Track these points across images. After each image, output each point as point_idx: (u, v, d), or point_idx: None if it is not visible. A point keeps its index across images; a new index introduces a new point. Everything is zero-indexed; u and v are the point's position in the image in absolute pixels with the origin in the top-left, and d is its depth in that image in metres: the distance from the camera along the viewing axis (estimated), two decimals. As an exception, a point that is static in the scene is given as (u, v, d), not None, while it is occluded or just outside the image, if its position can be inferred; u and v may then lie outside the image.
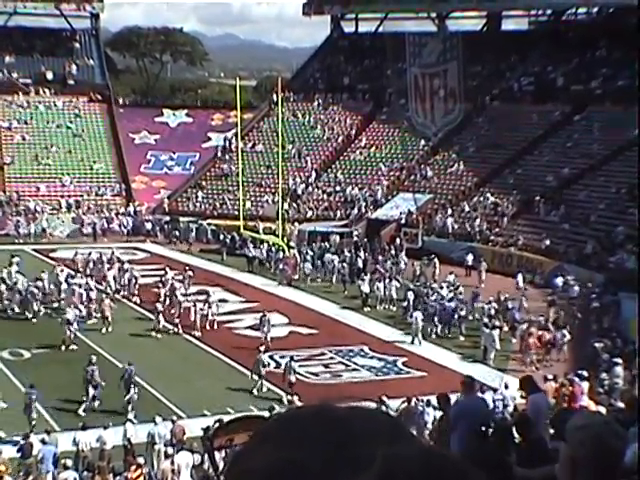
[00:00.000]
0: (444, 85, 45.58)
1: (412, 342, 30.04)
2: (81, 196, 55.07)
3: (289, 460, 1.07)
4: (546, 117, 52.08)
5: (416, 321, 30.11)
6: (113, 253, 40.97)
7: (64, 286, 33.77)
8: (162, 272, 36.80)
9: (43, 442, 18.99)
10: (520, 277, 37.26)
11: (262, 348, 26.09)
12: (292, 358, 25.87)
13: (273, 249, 43.11)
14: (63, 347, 28.22)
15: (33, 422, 21.12)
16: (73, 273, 36.41)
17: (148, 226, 51.87)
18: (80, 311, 31.13)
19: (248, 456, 1.10)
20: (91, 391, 23.07)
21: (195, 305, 31.29)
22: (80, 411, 22.63)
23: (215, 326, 31.13)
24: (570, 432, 2.85)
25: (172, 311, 32.11)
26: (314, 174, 55.61)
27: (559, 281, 35.54)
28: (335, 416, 1.13)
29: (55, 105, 62.10)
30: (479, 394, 16.75)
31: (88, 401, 23.00)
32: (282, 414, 1.17)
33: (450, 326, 31.43)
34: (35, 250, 45.68)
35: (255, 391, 24.41)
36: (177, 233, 50.10)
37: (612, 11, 58.86)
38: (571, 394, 21.61)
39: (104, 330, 30.22)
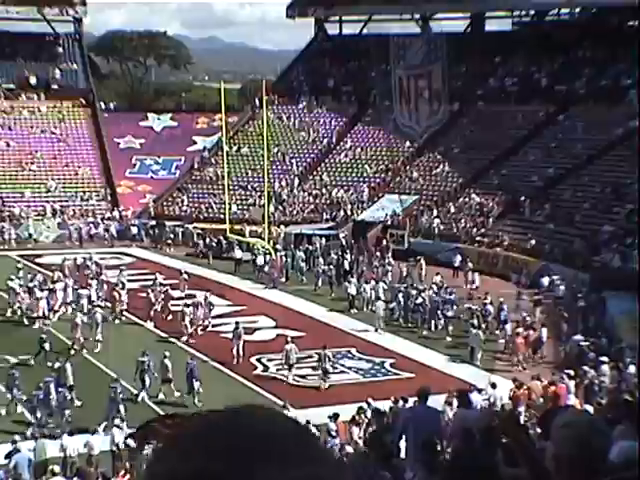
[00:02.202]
0: (429, 86, 45.69)
1: (376, 330, 31.38)
2: (66, 201, 54.88)
3: (191, 469, 1.08)
4: (530, 117, 52.24)
5: (378, 310, 31.74)
6: (91, 259, 40.89)
7: (44, 293, 33.64)
8: (150, 277, 36.77)
9: (17, 450, 18.81)
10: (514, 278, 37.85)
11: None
12: (325, 347, 26.40)
13: (260, 252, 43.05)
14: (72, 351, 28.31)
15: (116, 416, 21.52)
16: (55, 278, 36.28)
17: (134, 231, 51.78)
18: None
19: (155, 461, 1.12)
20: (147, 381, 24.21)
21: (196, 310, 31.32)
22: (140, 398, 23.91)
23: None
24: (554, 431, 2.86)
25: (169, 317, 32.23)
26: (300, 176, 55.62)
27: (545, 281, 35.65)
28: (247, 431, 1.13)
29: (39, 110, 61.87)
30: (472, 398, 16.79)
31: (143, 389, 24.16)
32: (194, 419, 1.17)
33: (436, 324, 31.72)
34: (20, 256, 45.47)
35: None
36: (168, 236, 50.15)
37: (595, 12, 59.12)
38: (554, 394, 21.74)
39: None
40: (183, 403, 23.84)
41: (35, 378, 23.50)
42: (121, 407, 22.21)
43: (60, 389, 22.61)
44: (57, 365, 24.58)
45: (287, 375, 26.41)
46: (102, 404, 22.63)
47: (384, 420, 16.59)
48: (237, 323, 28.84)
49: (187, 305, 31.58)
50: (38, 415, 22.13)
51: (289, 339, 27.27)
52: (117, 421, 21.57)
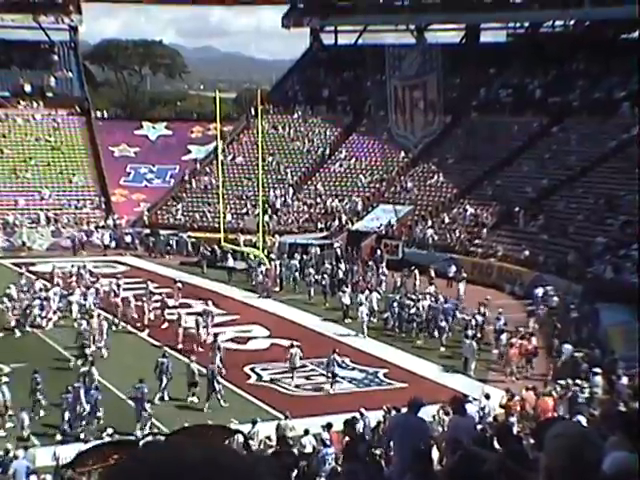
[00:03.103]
0: (424, 97, 45.84)
1: (356, 335, 32.14)
2: (60, 209, 54.82)
3: None
4: (524, 128, 52.36)
5: (361, 315, 32.36)
6: (85, 267, 40.84)
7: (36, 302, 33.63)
8: (142, 285, 36.78)
9: (15, 457, 18.85)
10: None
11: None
12: (334, 351, 26.98)
13: (254, 261, 43.06)
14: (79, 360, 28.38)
15: (145, 415, 22.40)
16: (49, 285, 36.29)
17: (128, 239, 51.76)
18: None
19: None
20: (164, 380, 24.89)
21: (197, 323, 31.30)
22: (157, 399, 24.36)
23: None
24: (547, 442, 2.89)
25: (163, 326, 32.27)
26: (294, 186, 55.65)
27: (539, 291, 35.69)
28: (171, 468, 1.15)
29: (34, 118, 61.85)
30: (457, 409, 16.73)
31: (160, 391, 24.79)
32: (133, 457, 1.18)
33: (432, 333, 31.84)
34: (14, 264, 45.40)
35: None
36: (163, 245, 50.18)
37: (589, 24, 59.35)
38: (547, 405, 21.77)
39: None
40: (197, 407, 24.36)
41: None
42: (147, 405, 22.70)
43: (92, 392, 22.93)
44: (82, 370, 24.68)
45: (291, 378, 26.95)
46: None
47: (356, 431, 16.67)
48: (215, 335, 28.80)
49: (190, 313, 31.67)
50: (66, 417, 22.35)
51: (294, 343, 27.91)
52: (109, 430, 21.55)
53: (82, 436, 21.61)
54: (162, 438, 1.29)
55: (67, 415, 22.34)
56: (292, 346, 27.60)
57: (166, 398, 24.91)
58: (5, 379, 23.54)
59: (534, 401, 22.17)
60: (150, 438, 1.36)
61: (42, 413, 23.36)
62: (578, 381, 23.84)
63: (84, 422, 22.45)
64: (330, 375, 26.63)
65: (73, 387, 22.74)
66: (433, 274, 39.52)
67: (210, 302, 33.71)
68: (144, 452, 1.21)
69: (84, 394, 22.60)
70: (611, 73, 52.40)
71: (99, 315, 31.54)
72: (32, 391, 23.57)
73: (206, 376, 24.71)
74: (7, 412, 22.94)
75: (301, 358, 27.62)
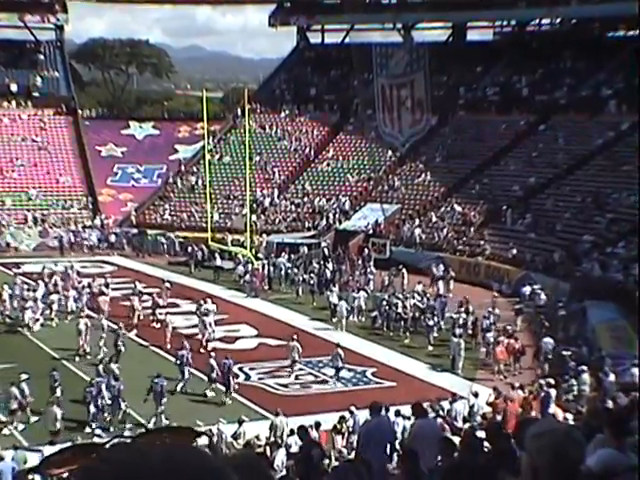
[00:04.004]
0: (411, 95, 45.85)
1: (336, 329, 32.75)
2: (47, 209, 54.67)
3: None
4: (511, 127, 52.49)
5: (341, 310, 33.04)
6: (72, 267, 40.71)
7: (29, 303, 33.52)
8: (130, 285, 36.69)
9: (1, 458, 18.75)
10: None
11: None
12: (338, 345, 27.84)
13: (242, 260, 43.03)
14: (77, 358, 28.63)
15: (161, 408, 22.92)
16: (34, 285, 36.17)
17: (115, 239, 51.61)
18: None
19: None
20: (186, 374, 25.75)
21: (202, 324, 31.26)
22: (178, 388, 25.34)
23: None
24: (529, 440, 2.88)
25: (157, 326, 32.22)
26: (282, 185, 55.63)
27: (526, 290, 35.76)
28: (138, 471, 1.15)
29: (20, 118, 61.63)
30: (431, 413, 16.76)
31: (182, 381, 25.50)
32: (97, 458, 1.20)
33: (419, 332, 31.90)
34: (1, 264, 45.24)
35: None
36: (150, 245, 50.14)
37: (575, 22, 59.53)
38: (530, 403, 21.79)
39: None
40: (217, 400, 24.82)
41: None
42: (164, 400, 23.15)
43: (113, 383, 23.38)
44: (101, 368, 24.79)
45: (290, 371, 27.47)
46: (81, 414, 22.75)
47: (309, 436, 16.68)
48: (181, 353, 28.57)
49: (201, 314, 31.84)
50: (91, 410, 22.88)
51: (294, 337, 28.23)
52: (98, 431, 21.54)
53: (111, 429, 22.40)
54: (128, 441, 1.30)
55: (92, 408, 22.86)
56: (292, 339, 27.94)
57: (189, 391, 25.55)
58: (24, 376, 23.64)
59: (520, 400, 22.18)
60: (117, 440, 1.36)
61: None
62: (567, 378, 23.92)
63: (107, 414, 23.18)
64: (335, 370, 27.23)
65: (95, 381, 23.38)
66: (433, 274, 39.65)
67: (210, 300, 33.73)
68: (107, 453, 1.22)
69: (105, 387, 23.18)
70: (598, 71, 52.56)
71: (88, 315, 31.50)
72: (51, 388, 23.81)
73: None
74: (27, 407, 23.22)
75: (285, 358, 27.73)
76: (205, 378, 25.82)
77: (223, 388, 25.26)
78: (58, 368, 25.45)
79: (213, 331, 31.27)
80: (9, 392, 23.19)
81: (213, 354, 26.59)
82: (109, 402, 23.10)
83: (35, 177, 57.44)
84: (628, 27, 55.39)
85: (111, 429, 22.47)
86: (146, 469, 1.14)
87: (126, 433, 19.50)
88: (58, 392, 23.62)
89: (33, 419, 23.10)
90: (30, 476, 17.86)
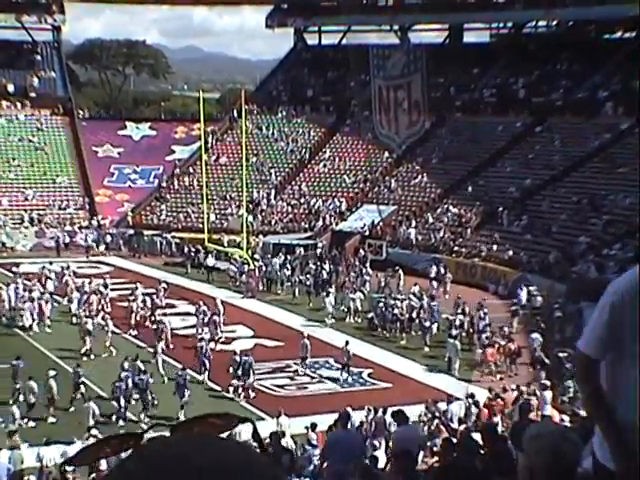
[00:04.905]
0: (408, 97, 45.89)
1: (325, 325, 33.49)
2: (44, 210, 54.61)
3: None
4: (508, 128, 52.54)
5: (327, 305, 34.21)
6: (69, 267, 40.68)
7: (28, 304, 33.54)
8: (129, 286, 36.67)
9: None
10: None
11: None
12: (347, 343, 28.08)
13: (238, 261, 43.02)
14: (85, 357, 28.67)
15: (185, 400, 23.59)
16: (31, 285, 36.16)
17: (112, 240, 51.54)
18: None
19: None
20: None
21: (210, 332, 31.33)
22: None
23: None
24: (526, 442, 2.91)
25: (154, 326, 32.23)
26: (278, 186, 55.64)
27: (522, 291, 35.79)
28: (190, 465, 1.12)
29: (17, 118, 61.58)
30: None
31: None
32: (136, 458, 1.16)
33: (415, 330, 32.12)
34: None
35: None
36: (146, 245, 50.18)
37: (572, 24, 59.62)
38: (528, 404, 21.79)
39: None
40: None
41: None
42: (187, 392, 23.76)
43: (142, 376, 24.12)
44: (127, 364, 24.95)
45: (299, 367, 28.05)
46: (79, 414, 22.77)
47: (279, 440, 16.73)
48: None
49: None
50: (122, 404, 23.47)
51: (305, 334, 28.89)
52: (94, 431, 21.51)
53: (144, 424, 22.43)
54: (167, 434, 1.26)
55: (122, 402, 23.42)
56: (303, 337, 28.54)
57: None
58: (52, 373, 23.97)
59: (512, 401, 22.21)
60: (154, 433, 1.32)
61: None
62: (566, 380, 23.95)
63: (142, 406, 23.79)
64: (343, 367, 27.55)
65: (124, 376, 23.89)
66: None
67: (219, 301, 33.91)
68: (146, 450, 1.19)
69: (131, 381, 23.86)
70: (594, 73, 52.63)
71: (87, 316, 31.55)
72: (75, 385, 24.32)
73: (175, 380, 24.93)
74: (54, 403, 23.55)
75: (284, 359, 27.81)
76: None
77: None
78: (56, 368, 25.47)
79: (221, 331, 31.62)
80: (29, 387, 23.56)
81: (238, 351, 26.91)
82: (137, 396, 23.82)
83: (32, 177, 57.38)
84: (624, 29, 55.55)
85: (141, 422, 22.93)
86: (189, 471, 1.09)
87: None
88: (82, 388, 24.25)
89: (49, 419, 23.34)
90: (25, 477, 17.93)
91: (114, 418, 23.31)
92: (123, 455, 1.22)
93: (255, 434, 1.34)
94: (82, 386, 24.36)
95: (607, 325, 2.98)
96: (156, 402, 23.91)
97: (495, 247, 42.31)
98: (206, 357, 26.80)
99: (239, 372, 25.73)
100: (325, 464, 11.78)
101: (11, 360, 25.52)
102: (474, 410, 21.96)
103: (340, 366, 28.19)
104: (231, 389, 25.70)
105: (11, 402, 23.74)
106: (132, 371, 24.44)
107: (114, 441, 1.31)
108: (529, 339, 28.62)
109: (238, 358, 26.06)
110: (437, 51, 57.06)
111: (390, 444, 14.74)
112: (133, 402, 23.87)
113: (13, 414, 22.41)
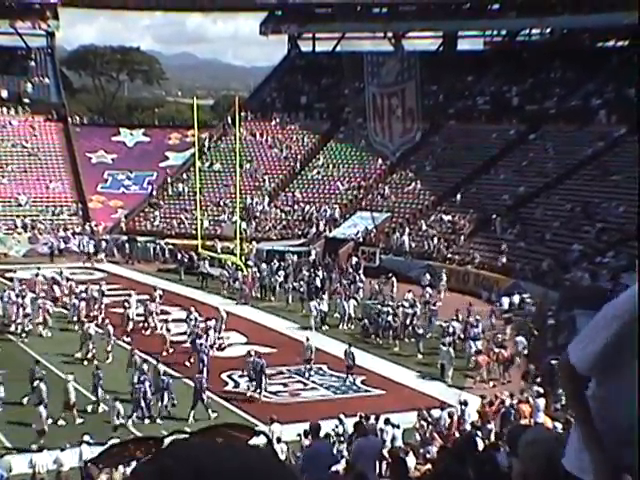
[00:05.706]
0: (402, 104, 45.95)
1: (310, 329, 33.44)
2: (37, 216, 54.50)
3: None
4: (502, 136, 52.63)
5: (313, 310, 34.34)
6: (62, 274, 40.61)
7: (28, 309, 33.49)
8: (122, 292, 36.63)
9: None
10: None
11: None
12: (350, 345, 28.65)
13: (231, 268, 42.99)
14: (86, 362, 28.62)
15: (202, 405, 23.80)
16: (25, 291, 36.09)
17: (105, 245, 51.46)
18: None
19: None
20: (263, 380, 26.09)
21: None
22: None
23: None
24: (521, 448, 2.91)
25: (147, 332, 32.24)
26: (272, 193, 55.63)
27: (515, 299, 35.84)
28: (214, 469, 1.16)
29: (10, 124, 61.52)
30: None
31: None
32: (174, 457, 1.20)
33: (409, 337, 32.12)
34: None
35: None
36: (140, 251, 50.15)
37: (565, 32, 59.78)
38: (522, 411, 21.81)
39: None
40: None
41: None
42: (204, 396, 23.99)
43: (163, 377, 24.58)
44: (145, 367, 25.14)
45: (306, 369, 28.44)
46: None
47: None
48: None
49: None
50: (142, 405, 23.86)
51: (308, 337, 29.59)
52: (86, 437, 21.43)
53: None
54: (186, 437, 1.30)
55: (143, 403, 23.80)
56: (307, 339, 29.06)
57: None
58: (70, 377, 24.13)
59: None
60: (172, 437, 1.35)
61: (101, 409, 24.43)
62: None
63: (166, 408, 24.27)
64: (346, 367, 27.89)
65: (143, 378, 24.17)
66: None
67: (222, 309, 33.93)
68: (179, 451, 1.22)
69: (148, 384, 24.09)
70: (587, 81, 52.78)
71: (84, 322, 31.53)
72: (94, 387, 24.64)
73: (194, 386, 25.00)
74: (75, 407, 23.74)
75: (277, 365, 27.79)
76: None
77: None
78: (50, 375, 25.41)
79: (221, 337, 31.68)
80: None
81: (252, 352, 26.93)
82: (154, 398, 24.12)
83: (25, 183, 57.26)
84: (618, 37, 55.72)
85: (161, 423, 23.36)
86: (222, 472, 1.14)
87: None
88: (100, 391, 24.53)
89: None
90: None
91: (134, 418, 23.57)
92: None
93: (269, 445, 1.39)
94: (100, 389, 24.59)
95: (610, 343, 2.90)
96: (176, 402, 24.29)
97: (488, 254, 42.36)
98: (203, 363, 26.78)
99: (252, 374, 26.08)
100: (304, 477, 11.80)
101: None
102: (466, 417, 21.95)
103: (335, 372, 28.23)
104: (249, 391, 26.20)
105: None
106: (149, 374, 24.69)
107: (136, 444, 1.34)
108: (516, 341, 28.84)
109: (251, 360, 26.31)
110: (431, 59, 57.18)
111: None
112: (152, 402, 24.18)
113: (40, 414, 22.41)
